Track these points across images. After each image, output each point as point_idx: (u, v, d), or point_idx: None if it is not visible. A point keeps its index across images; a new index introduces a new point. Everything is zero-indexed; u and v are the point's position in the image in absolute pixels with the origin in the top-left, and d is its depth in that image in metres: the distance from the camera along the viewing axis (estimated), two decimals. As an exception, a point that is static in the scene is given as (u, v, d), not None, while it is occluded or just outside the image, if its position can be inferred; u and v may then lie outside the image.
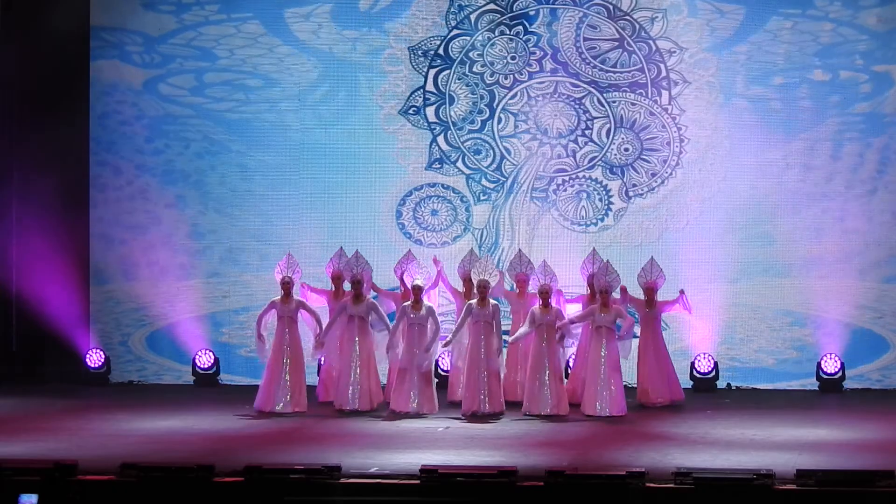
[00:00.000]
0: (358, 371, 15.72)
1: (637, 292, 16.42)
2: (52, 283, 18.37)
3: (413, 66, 18.31)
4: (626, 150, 18.08)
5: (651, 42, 18.06)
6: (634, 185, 18.15)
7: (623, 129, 18.11)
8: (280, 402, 15.74)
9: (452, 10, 18.30)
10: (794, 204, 17.97)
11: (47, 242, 18.31)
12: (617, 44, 18.13)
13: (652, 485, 11.38)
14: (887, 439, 13.92)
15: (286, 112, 18.45)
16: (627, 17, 18.10)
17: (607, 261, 15.95)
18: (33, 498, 11.26)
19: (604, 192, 18.16)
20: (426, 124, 18.32)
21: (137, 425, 14.89)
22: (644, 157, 18.09)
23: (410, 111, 18.35)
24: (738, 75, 18.02)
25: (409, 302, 15.70)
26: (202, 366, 18.08)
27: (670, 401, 16.28)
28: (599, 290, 15.70)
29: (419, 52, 18.30)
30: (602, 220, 18.18)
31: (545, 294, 15.58)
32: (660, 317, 16.48)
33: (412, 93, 18.32)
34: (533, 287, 16.04)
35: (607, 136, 18.13)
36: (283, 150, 18.40)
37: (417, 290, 15.63)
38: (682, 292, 16.37)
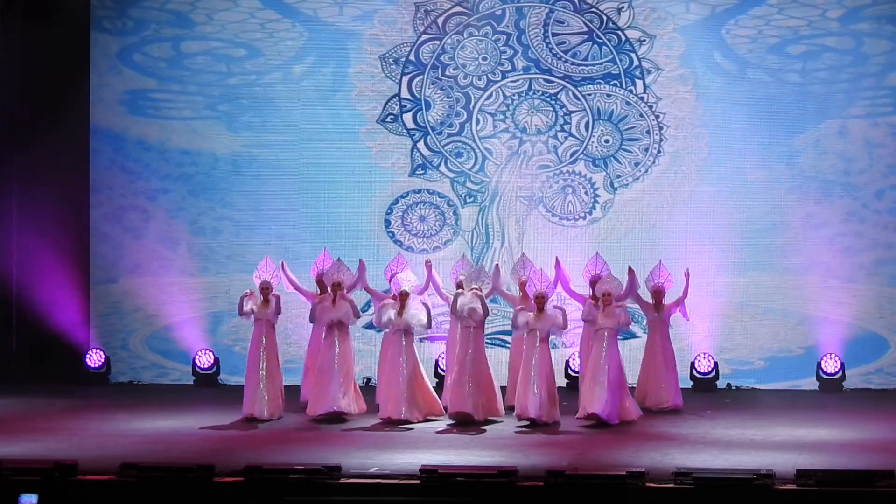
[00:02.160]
0: (339, 376, 15.22)
1: (643, 294, 16.32)
2: (53, 283, 18.37)
3: (386, 75, 18.30)
4: (607, 141, 18.12)
5: (620, 32, 18.10)
6: (619, 176, 18.17)
7: (601, 121, 18.14)
8: (258, 409, 15.35)
9: (419, 15, 18.29)
10: (789, 196, 17.94)
11: (47, 242, 18.32)
12: (586, 37, 18.17)
13: (652, 485, 11.39)
14: (887, 439, 13.92)
15: (272, 85, 18.39)
16: (594, 10, 18.14)
17: (610, 274, 15.82)
18: (33, 498, 11.27)
19: (589, 186, 18.19)
20: (405, 131, 18.33)
21: (137, 425, 14.89)
22: (625, 147, 18.13)
23: (388, 119, 18.35)
24: (712, 58, 17.98)
25: (394, 309, 15.25)
26: (202, 366, 18.08)
27: (672, 406, 16.05)
28: (602, 295, 15.62)
29: (390, 60, 18.31)
30: (590, 212, 18.20)
31: (541, 300, 15.20)
32: (668, 320, 16.34)
33: (388, 100, 18.31)
34: (530, 292, 15.87)
35: (586, 130, 18.16)
36: (271, 131, 18.35)
37: (404, 297, 15.19)
38: (686, 274, 16.11)
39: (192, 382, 18.15)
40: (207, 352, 18.16)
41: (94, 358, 18.36)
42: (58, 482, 11.44)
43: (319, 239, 17.74)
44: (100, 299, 18.56)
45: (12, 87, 18.45)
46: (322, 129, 18.36)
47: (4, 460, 11.75)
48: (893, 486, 11.18)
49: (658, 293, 16.19)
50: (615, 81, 18.11)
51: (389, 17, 18.30)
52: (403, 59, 18.30)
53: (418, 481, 11.52)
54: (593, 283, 16.06)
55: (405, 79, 18.32)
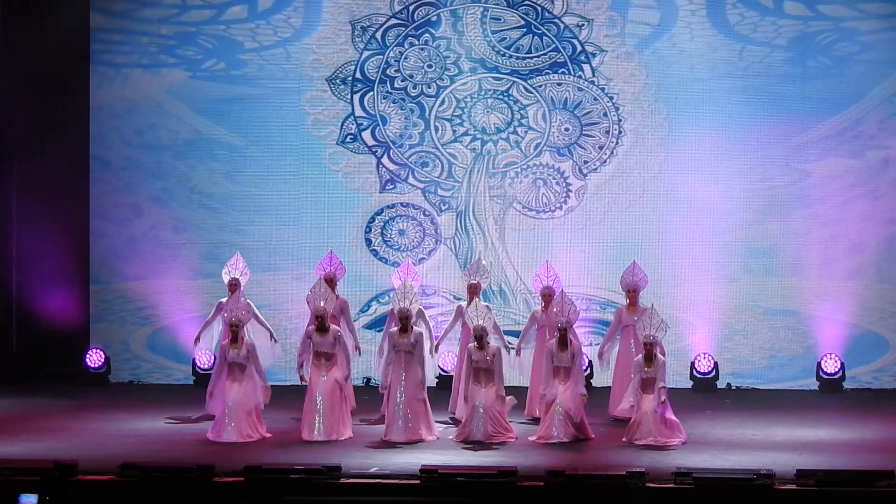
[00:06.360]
0: (323, 403, 14.32)
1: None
2: (53, 282, 18.36)
3: (336, 96, 18.25)
4: (567, 129, 18.10)
5: (558, 21, 18.08)
6: (586, 162, 18.15)
7: (557, 111, 18.12)
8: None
9: (357, 32, 18.26)
10: (778, 188, 17.93)
11: (47, 242, 18.30)
12: (525, 30, 18.15)
13: (652, 485, 11.41)
14: (887, 439, 13.93)
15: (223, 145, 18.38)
16: (528, 2, 18.11)
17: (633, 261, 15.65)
18: (33, 498, 11.28)
19: (559, 175, 18.17)
20: (367, 149, 18.27)
21: (137, 425, 14.90)
22: (586, 132, 18.10)
23: (348, 140, 18.29)
24: (653, 30, 17.94)
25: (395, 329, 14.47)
26: (202, 366, 18.06)
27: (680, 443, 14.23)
28: (627, 290, 15.34)
29: (338, 81, 18.24)
30: (565, 202, 18.17)
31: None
32: (662, 383, 13.77)
33: (344, 121, 18.24)
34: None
35: (545, 121, 18.14)
36: (251, 157, 18.35)
37: (405, 318, 14.29)
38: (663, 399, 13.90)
39: (192, 382, 18.14)
40: (207, 352, 18.13)
41: (94, 358, 18.35)
42: (58, 482, 11.45)
43: (303, 265, 17.58)
44: (100, 299, 18.54)
45: (12, 83, 18.41)
46: (285, 160, 18.25)
47: (4, 460, 11.77)
48: (893, 486, 11.20)
49: (650, 345, 13.91)
50: (563, 69, 18.09)
51: (327, 38, 18.24)
52: (350, 78, 18.25)
53: (418, 481, 11.54)
54: (545, 294, 15.37)
55: (356, 97, 18.27)
